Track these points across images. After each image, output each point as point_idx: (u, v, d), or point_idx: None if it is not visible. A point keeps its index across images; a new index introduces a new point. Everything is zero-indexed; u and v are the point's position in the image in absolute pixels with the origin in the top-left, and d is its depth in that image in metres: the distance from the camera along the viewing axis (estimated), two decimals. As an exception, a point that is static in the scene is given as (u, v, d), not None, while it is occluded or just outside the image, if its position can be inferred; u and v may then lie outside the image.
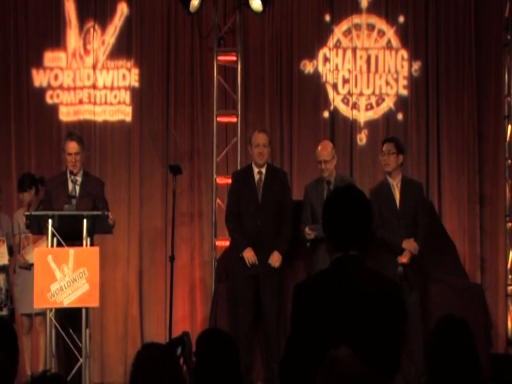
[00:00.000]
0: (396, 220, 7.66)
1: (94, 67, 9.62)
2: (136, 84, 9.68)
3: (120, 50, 9.67)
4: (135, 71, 9.67)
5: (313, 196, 7.80)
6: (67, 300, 6.87)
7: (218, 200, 9.15)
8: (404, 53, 9.74)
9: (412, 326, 7.38)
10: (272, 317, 7.64)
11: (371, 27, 9.73)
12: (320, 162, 7.79)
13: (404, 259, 7.57)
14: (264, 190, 7.79)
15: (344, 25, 9.73)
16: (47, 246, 7.05)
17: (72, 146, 7.51)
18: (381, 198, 7.69)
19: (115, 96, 9.68)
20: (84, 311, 6.94)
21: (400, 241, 7.60)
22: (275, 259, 7.66)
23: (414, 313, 7.50)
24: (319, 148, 7.92)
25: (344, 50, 9.72)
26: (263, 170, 7.85)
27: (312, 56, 9.72)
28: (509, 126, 9.35)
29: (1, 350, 3.46)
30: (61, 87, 9.64)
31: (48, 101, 9.62)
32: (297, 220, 7.96)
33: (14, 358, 3.61)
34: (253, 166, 7.89)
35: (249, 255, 7.64)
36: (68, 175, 7.52)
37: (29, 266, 8.13)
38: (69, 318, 7.08)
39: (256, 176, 7.83)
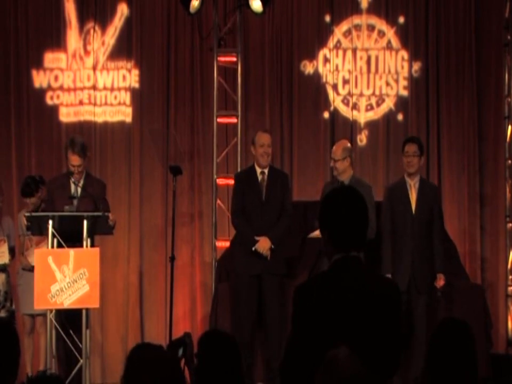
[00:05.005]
0: (409, 219, 7.65)
1: (94, 68, 9.62)
2: (136, 85, 9.68)
3: (120, 51, 9.67)
4: (135, 72, 9.67)
5: None
6: (67, 301, 6.86)
7: (218, 201, 9.15)
8: (404, 54, 9.74)
9: (417, 330, 7.38)
10: (273, 317, 7.63)
11: (371, 28, 9.74)
12: (332, 160, 7.82)
13: (441, 282, 7.61)
14: (267, 190, 7.77)
15: (344, 26, 9.73)
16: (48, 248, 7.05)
17: (75, 159, 7.39)
18: (396, 196, 7.70)
19: (115, 97, 9.68)
20: (84, 312, 6.93)
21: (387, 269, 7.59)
22: (261, 244, 7.60)
23: (420, 317, 7.51)
24: (334, 146, 7.96)
25: (344, 51, 9.73)
26: (266, 171, 7.83)
27: (312, 56, 9.73)
28: (509, 126, 9.34)
29: (2, 352, 3.45)
30: (61, 88, 9.63)
31: (49, 102, 9.62)
32: (299, 220, 7.94)
33: (14, 360, 3.59)
34: (256, 167, 7.86)
35: (263, 247, 7.61)
36: (70, 177, 7.48)
37: (32, 268, 8.11)
38: (70, 318, 7.06)
39: (259, 177, 7.81)
